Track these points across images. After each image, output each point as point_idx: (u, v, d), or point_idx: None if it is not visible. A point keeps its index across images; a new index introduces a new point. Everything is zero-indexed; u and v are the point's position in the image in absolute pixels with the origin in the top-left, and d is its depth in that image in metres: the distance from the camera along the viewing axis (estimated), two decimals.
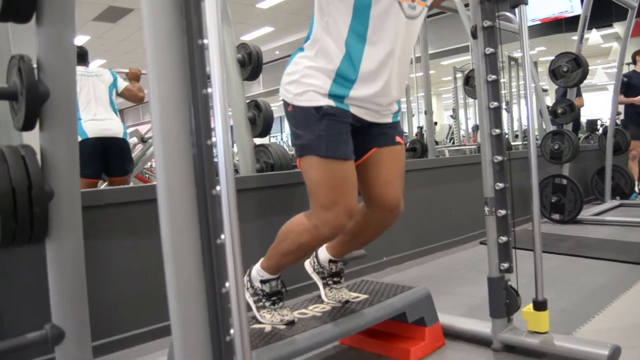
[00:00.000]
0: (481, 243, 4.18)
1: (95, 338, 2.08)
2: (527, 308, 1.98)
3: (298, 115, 1.69)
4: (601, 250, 3.66)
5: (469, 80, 5.28)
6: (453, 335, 2.18)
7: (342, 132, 1.67)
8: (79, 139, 3.19)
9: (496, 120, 1.95)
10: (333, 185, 1.64)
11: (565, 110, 4.84)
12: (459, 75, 10.43)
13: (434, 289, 2.17)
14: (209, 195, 1.05)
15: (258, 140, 3.92)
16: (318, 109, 1.64)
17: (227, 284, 1.03)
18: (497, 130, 1.94)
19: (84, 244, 1.83)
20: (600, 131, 8.41)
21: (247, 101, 3.30)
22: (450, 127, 13.68)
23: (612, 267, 3.20)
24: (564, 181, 4.79)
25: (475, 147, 10.00)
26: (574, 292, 2.68)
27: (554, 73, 4.69)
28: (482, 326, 2.10)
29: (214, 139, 1.04)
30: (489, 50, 1.93)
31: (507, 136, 6.17)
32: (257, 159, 3.28)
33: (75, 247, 1.83)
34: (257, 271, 1.85)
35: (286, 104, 1.72)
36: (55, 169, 1.52)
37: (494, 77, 1.94)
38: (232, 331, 1.05)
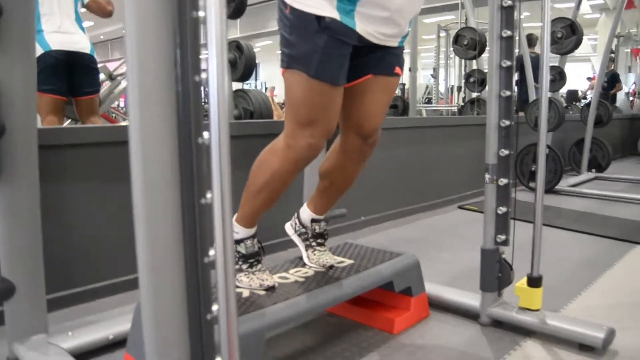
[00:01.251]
0: (459, 207, 4.09)
1: (53, 290, 1.90)
2: (520, 283, 1.87)
3: (295, 20, 1.47)
4: (581, 222, 3.60)
5: (458, 39, 5.08)
6: (438, 306, 2.06)
7: (341, 54, 1.50)
8: (41, 51, 2.86)
9: (507, 81, 1.78)
10: (316, 106, 1.52)
11: (554, 78, 4.71)
12: (442, 34, 10.20)
13: (414, 252, 2.04)
14: (195, 144, 0.85)
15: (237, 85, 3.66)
16: (320, 19, 1.44)
17: (211, 252, 0.85)
18: (507, 92, 1.77)
19: (42, 188, 1.63)
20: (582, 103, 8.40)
21: (228, 42, 3.04)
22: (427, 87, 13.51)
23: (595, 241, 3.14)
24: (546, 150, 4.69)
25: (452, 108, 9.89)
26: (557, 266, 2.59)
27: (551, 37, 4.52)
28: (471, 298, 1.98)
29: (203, 75, 0.84)
30: (507, 3, 1.74)
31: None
32: (235, 105, 3.05)
33: (29, 190, 1.62)
34: (233, 227, 1.66)
35: (284, 4, 1.50)
36: (8, 99, 1.29)
37: (508, 32, 1.76)
38: (215, 307, 0.87)
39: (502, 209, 1.83)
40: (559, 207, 4.11)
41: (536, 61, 5.53)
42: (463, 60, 7.26)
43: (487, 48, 5.80)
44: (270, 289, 1.62)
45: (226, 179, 0.84)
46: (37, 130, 1.63)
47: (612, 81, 8.90)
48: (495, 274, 1.89)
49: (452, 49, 10.08)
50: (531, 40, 5.73)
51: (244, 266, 1.66)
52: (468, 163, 4.33)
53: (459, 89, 7.00)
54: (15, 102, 1.53)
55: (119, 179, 2.20)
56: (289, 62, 1.51)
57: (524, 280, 1.85)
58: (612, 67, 9.08)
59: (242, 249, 1.66)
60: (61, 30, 3.02)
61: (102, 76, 6.30)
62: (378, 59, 1.61)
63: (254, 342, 1.37)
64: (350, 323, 1.92)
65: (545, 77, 1.81)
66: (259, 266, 1.67)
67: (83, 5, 3.28)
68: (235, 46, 3.07)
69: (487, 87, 5.59)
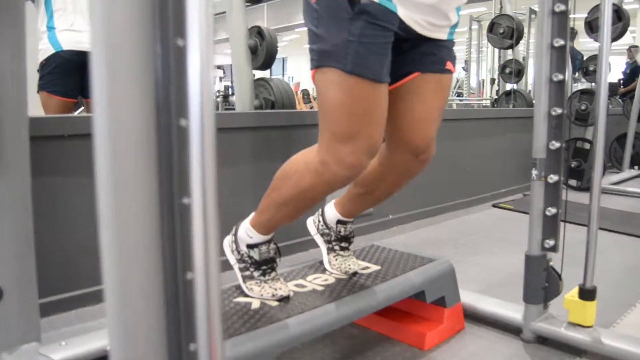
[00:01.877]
0: (494, 206, 3.84)
1: (47, 294, 1.74)
2: (571, 295, 1.64)
3: (324, 9, 1.24)
4: (629, 224, 3.32)
5: (493, 27, 4.81)
6: (474, 317, 1.85)
7: (381, 43, 1.24)
8: (52, 50, 2.73)
9: (559, 63, 1.54)
10: (356, 112, 1.25)
11: (595, 69, 4.41)
12: (475, 26, 9.87)
13: (446, 256, 1.82)
14: (175, 128, 0.66)
15: (259, 74, 3.45)
16: (353, 3, 1.20)
17: (188, 275, 0.66)
18: (560, 76, 1.54)
19: (35, 183, 1.47)
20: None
21: (249, 27, 2.86)
22: (457, 80, 13.17)
23: None
24: (587, 145, 4.40)
25: (483, 102, 9.56)
26: (607, 274, 2.33)
27: (590, 25, 4.23)
28: (512, 310, 1.76)
29: (180, 42, 0.64)
30: None
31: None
32: (256, 94, 2.87)
33: (20, 185, 1.45)
34: (246, 230, 1.47)
35: None
36: None
37: (562, 7, 1.52)
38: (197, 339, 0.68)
39: (552, 210, 1.60)
40: (602, 207, 3.81)
41: (572, 52, 5.23)
42: (496, 52, 6.96)
43: (524, 36, 5.53)
44: (284, 299, 1.42)
45: (210, 175, 0.64)
46: (29, 119, 1.47)
47: (632, 74, 8.23)
48: (541, 284, 1.66)
49: (484, 41, 9.82)
50: None
51: (256, 273, 1.47)
52: (503, 159, 4.08)
53: (492, 81, 6.69)
54: (2, 87, 1.37)
55: None
56: (320, 59, 1.26)
57: (575, 291, 1.63)
58: (634, 59, 8.50)
59: (255, 254, 1.46)
60: (74, 28, 2.83)
61: None
62: (425, 54, 1.36)
63: None
64: (375, 336, 1.72)
65: (605, 67, 1.57)
66: (273, 274, 1.48)
67: None
68: (257, 32, 2.88)
69: (525, 76, 5.27)
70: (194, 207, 0.64)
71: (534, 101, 1.64)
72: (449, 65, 1.41)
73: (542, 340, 1.68)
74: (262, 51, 2.84)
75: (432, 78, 1.39)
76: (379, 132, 1.30)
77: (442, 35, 1.36)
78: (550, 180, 1.59)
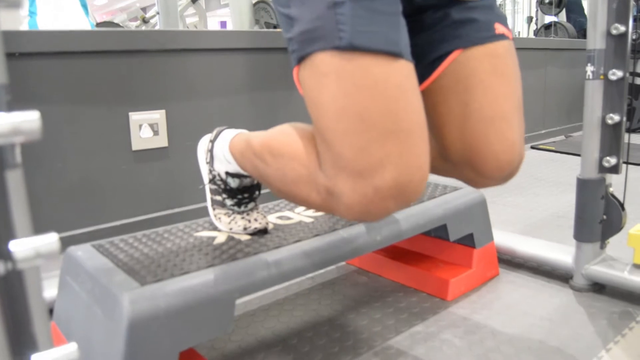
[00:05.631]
0: (533, 148, 3.42)
1: None
2: (637, 230, 1.27)
3: None
4: None
5: None
6: (511, 262, 1.49)
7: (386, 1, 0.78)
8: None
9: None
10: (372, 117, 0.74)
11: None
12: None
13: None
14: None
15: None
16: None
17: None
18: None
19: None
20: None
21: None
22: None
23: None
24: (639, 80, 3.91)
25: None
26: None
27: None
28: (559, 252, 1.40)
29: None
30: None
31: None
32: (256, 20, 2.50)
33: None
34: (224, 154, 1.08)
35: None
36: None
37: None
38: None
39: (614, 118, 1.21)
40: None
41: None
42: None
43: None
44: (260, 232, 1.09)
45: None
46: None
47: None
48: (598, 215, 1.29)
49: None
50: None
51: (229, 202, 1.12)
52: (543, 96, 3.63)
53: (529, 19, 6.06)
54: None
55: (93, 100, 1.72)
56: (301, 46, 0.79)
57: None
58: None
59: (233, 183, 1.11)
60: (56, 12, 2.49)
61: (137, 22, 5.99)
62: (460, 21, 0.93)
63: (216, 310, 0.86)
64: (386, 284, 1.38)
65: None
66: (251, 205, 1.13)
67: None
68: None
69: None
70: None
71: None
72: (499, 28, 0.94)
73: (599, 287, 1.33)
74: None
75: (483, 52, 0.92)
76: (418, 149, 0.76)
77: None
78: (612, 77, 1.20)
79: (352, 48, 0.74)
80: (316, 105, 0.79)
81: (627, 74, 1.21)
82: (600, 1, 1.20)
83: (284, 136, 0.91)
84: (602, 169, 1.26)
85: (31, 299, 0.45)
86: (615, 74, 1.20)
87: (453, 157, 0.96)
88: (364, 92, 0.74)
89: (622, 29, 1.18)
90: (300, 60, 0.79)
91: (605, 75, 1.22)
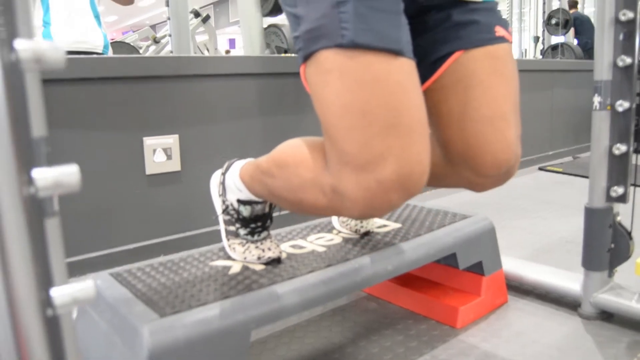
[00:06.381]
0: (540, 169, 3.44)
1: None
2: None
3: None
4: None
5: None
6: (520, 289, 1.51)
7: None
8: None
9: None
10: (373, 112, 0.78)
11: None
12: None
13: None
14: None
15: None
16: None
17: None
18: None
19: None
20: None
21: None
22: None
23: None
24: None
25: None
26: None
27: None
28: (567, 279, 1.41)
29: None
30: None
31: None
32: (267, 43, 2.55)
33: None
34: (235, 182, 1.13)
35: None
36: None
37: None
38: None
39: (621, 148, 1.24)
40: None
41: None
42: (541, 6, 6.41)
43: None
44: (273, 262, 1.11)
45: None
46: None
47: None
48: (606, 244, 1.31)
49: (525, 9, 9.19)
50: None
51: (242, 231, 1.15)
52: (550, 118, 3.65)
53: (536, 39, 6.15)
54: None
55: (109, 125, 1.75)
56: (306, 44, 0.84)
57: None
58: None
59: (245, 211, 1.14)
60: (67, 24, 2.43)
61: (148, 42, 6.08)
62: (462, 23, 0.97)
63: (232, 341, 0.88)
64: (396, 311, 1.40)
65: None
66: (264, 234, 1.16)
67: None
68: None
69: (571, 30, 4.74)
70: None
71: (596, 6, 1.27)
72: (500, 30, 0.99)
73: (607, 316, 1.34)
74: None
75: (484, 54, 0.97)
76: (418, 144, 0.80)
77: None
78: (619, 109, 1.23)
79: (354, 46, 0.78)
80: (321, 101, 0.84)
81: (634, 105, 1.24)
82: (607, 33, 1.22)
83: (289, 148, 0.96)
84: (610, 199, 1.28)
85: (67, 340, 0.47)
86: (622, 105, 1.22)
87: (453, 155, 1.01)
88: (366, 88, 0.79)
89: (629, 60, 1.21)
90: (306, 58, 0.84)
91: (612, 106, 1.24)
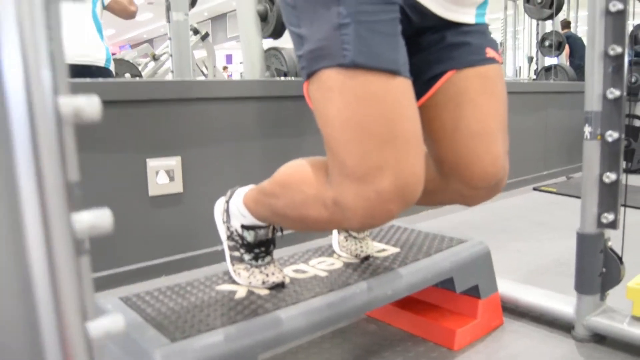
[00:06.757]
0: (535, 189, 3.49)
1: None
2: (635, 283, 1.32)
3: (301, 1, 0.92)
4: None
5: None
6: (515, 311, 1.55)
7: (387, 20, 0.89)
8: None
9: None
10: (371, 128, 0.85)
11: None
12: (510, 11, 9.38)
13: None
14: None
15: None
16: None
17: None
18: (619, 5, 1.22)
19: None
20: None
21: None
22: None
23: None
24: (638, 122, 4.00)
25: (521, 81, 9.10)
26: None
27: None
28: (561, 302, 1.45)
29: None
30: None
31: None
32: (267, 66, 2.60)
33: None
34: (239, 208, 1.17)
35: None
36: None
37: None
38: None
39: (611, 177, 1.29)
40: None
41: None
42: (534, 27, 6.53)
43: (564, 6, 5.11)
44: (277, 286, 1.15)
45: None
46: None
47: None
48: (597, 269, 1.35)
49: (520, 27, 9.32)
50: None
51: (247, 257, 1.20)
52: (545, 138, 3.72)
53: (530, 59, 6.26)
54: None
55: (113, 147, 1.79)
56: (310, 63, 0.90)
57: None
58: None
59: (249, 236, 1.18)
60: (70, 37, 2.40)
61: (147, 59, 6.13)
62: (455, 44, 1.04)
63: None
64: (395, 333, 1.44)
65: None
66: (268, 258, 1.20)
67: (104, 7, 2.74)
68: None
69: (564, 50, 4.80)
70: None
71: (586, 38, 1.32)
72: (490, 52, 1.06)
73: (600, 338, 1.38)
74: (273, 17, 2.58)
75: (475, 73, 1.04)
76: (413, 157, 0.87)
77: (469, 18, 1.04)
78: (608, 139, 1.28)
79: (354, 66, 0.85)
80: (323, 116, 0.90)
81: (623, 135, 1.29)
82: (596, 67, 1.28)
83: (291, 168, 1.03)
84: (601, 225, 1.33)
85: None
86: (612, 135, 1.28)
87: (445, 168, 1.08)
88: (365, 105, 0.85)
89: (617, 93, 1.26)
90: (309, 76, 0.91)
91: (603, 136, 1.29)
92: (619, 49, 1.24)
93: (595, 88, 1.28)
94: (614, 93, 1.26)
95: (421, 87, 1.02)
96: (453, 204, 1.18)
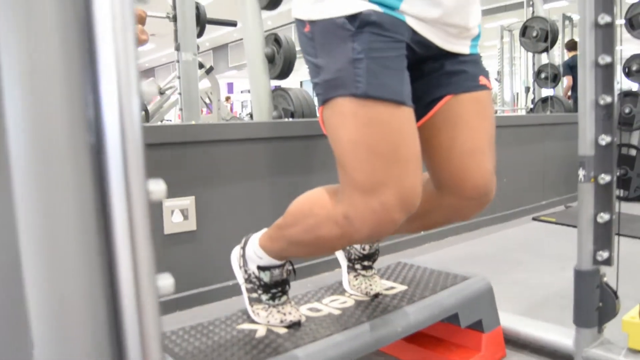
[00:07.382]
0: (534, 219, 3.57)
1: None
2: (630, 316, 1.40)
3: (318, 32, 1.05)
4: None
5: (526, 31, 4.58)
6: (517, 343, 1.62)
7: (395, 57, 1.02)
8: None
9: (605, 43, 1.33)
10: (379, 150, 1.00)
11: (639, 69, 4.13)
12: (506, 39, 9.58)
13: (482, 273, 1.60)
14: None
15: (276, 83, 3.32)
16: (353, 18, 1.00)
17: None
18: (607, 58, 1.33)
19: None
20: None
21: (265, 35, 2.72)
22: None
23: None
24: (633, 152, 4.11)
25: (520, 112, 9.25)
26: None
27: (631, 23, 3.96)
28: (560, 335, 1.53)
29: None
30: None
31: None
32: (274, 105, 2.71)
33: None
34: (255, 251, 1.27)
35: (301, 23, 1.09)
36: None
37: None
38: None
39: (604, 217, 1.37)
40: None
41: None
42: (530, 60, 6.69)
43: (558, 40, 5.26)
44: (294, 325, 1.23)
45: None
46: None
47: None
48: (594, 303, 1.43)
49: (516, 54, 9.51)
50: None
51: (264, 297, 1.28)
52: (543, 169, 3.82)
53: (527, 90, 6.42)
54: None
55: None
56: (325, 91, 1.04)
57: (635, 311, 1.39)
58: None
59: (265, 277, 1.27)
60: None
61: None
62: (452, 72, 1.16)
63: None
64: None
65: None
66: (284, 298, 1.29)
67: None
68: (273, 39, 2.74)
69: (561, 81, 4.96)
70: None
71: (578, 89, 1.42)
72: (482, 80, 1.20)
73: None
74: (280, 59, 2.70)
75: (469, 98, 1.17)
76: (413, 175, 1.01)
77: (465, 49, 1.17)
78: (601, 182, 1.37)
79: (366, 96, 0.98)
80: (335, 138, 1.05)
81: (615, 178, 1.38)
82: (588, 115, 1.38)
83: (301, 198, 1.17)
84: (596, 262, 1.41)
85: None
86: (604, 178, 1.37)
87: (440, 182, 1.21)
88: (373, 129, 0.99)
89: (608, 139, 1.36)
90: (324, 102, 1.05)
91: (596, 179, 1.39)
92: (608, 99, 1.34)
93: (588, 134, 1.38)
94: (605, 139, 1.35)
95: (422, 109, 1.15)
96: (448, 222, 1.32)
